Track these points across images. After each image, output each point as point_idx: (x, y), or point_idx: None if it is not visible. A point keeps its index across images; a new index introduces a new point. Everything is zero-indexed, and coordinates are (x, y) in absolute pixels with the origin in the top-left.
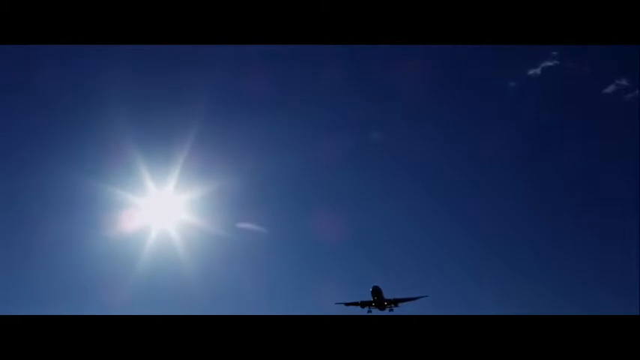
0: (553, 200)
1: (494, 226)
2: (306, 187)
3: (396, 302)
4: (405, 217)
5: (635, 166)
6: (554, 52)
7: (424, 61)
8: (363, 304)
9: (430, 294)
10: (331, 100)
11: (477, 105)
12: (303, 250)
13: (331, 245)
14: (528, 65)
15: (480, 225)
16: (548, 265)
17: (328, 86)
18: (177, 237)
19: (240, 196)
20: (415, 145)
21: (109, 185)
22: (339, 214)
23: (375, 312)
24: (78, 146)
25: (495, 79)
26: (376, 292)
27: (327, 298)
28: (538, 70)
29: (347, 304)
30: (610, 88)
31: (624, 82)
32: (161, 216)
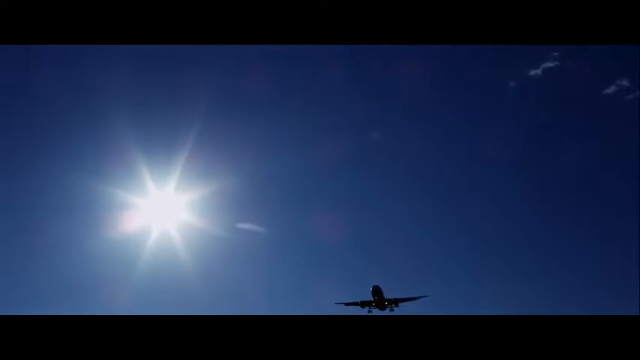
0: (553, 200)
1: (494, 226)
2: (306, 187)
3: (396, 302)
4: (405, 217)
5: (635, 166)
6: (555, 53)
7: (424, 61)
8: (363, 304)
9: (430, 294)
10: (331, 100)
11: (478, 105)
12: (303, 250)
13: (331, 245)
14: (529, 66)
15: (479, 225)
16: (548, 265)
17: (328, 86)
18: (177, 237)
19: (241, 197)
20: (415, 145)
21: (109, 186)
22: (339, 214)
23: (376, 312)
24: (78, 147)
25: (496, 79)
26: (376, 291)
27: (327, 298)
28: (539, 71)
29: (347, 304)
30: (611, 89)
31: (625, 83)
32: (162, 216)
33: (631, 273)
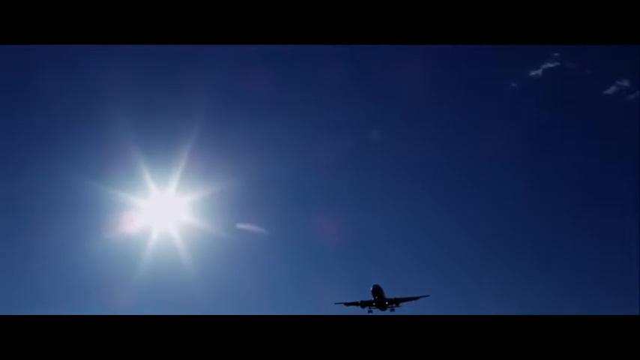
0: (553, 200)
1: (494, 226)
2: (306, 187)
3: (397, 302)
4: (405, 217)
5: (635, 167)
6: (556, 53)
7: (424, 61)
8: (363, 304)
9: (430, 294)
10: (331, 100)
11: (478, 105)
12: (304, 250)
13: (331, 245)
14: (529, 66)
15: (480, 225)
16: (548, 265)
17: (328, 86)
18: (178, 238)
19: (241, 197)
20: (415, 145)
21: (110, 187)
22: (339, 214)
23: (376, 312)
24: (79, 148)
25: (496, 79)
26: (377, 291)
27: (327, 299)
28: (539, 71)
29: (347, 304)
30: (611, 89)
31: (625, 83)
32: (162, 217)
33: (631, 273)
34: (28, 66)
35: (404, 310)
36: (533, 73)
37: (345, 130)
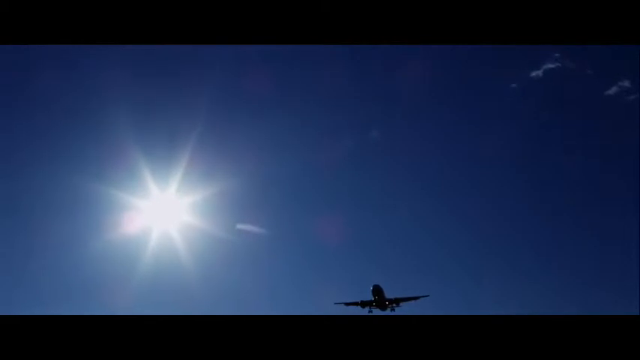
0: (553, 200)
1: (494, 226)
2: (306, 187)
3: (397, 302)
4: (405, 217)
5: (635, 167)
6: (556, 54)
7: (424, 61)
8: (363, 304)
9: (430, 294)
10: (331, 100)
11: (478, 106)
12: (304, 250)
13: (331, 245)
14: (530, 66)
15: (480, 225)
16: (548, 265)
17: (328, 86)
18: (179, 239)
19: (242, 198)
20: (415, 145)
21: (111, 188)
22: (339, 214)
23: (376, 312)
24: (80, 148)
25: (497, 80)
26: (377, 291)
27: (327, 299)
28: (540, 72)
29: (347, 304)
30: (612, 90)
31: (626, 84)
32: (163, 218)
33: (631, 273)
34: (28, 66)
35: (404, 310)
36: (534, 73)
37: (345, 130)
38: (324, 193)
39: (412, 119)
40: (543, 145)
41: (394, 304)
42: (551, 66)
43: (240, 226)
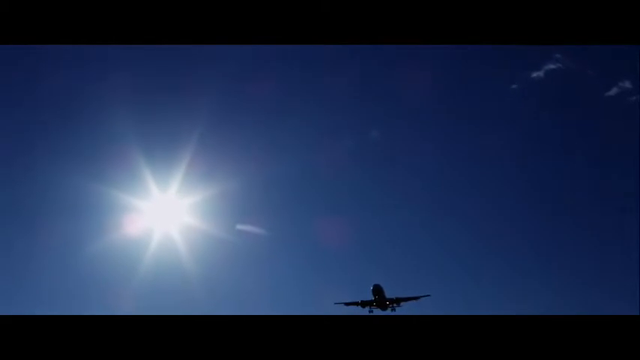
0: (553, 200)
1: (494, 226)
2: (306, 187)
3: (397, 301)
4: (405, 217)
5: (635, 167)
6: (557, 55)
7: (424, 61)
8: (363, 304)
9: (430, 294)
10: (331, 100)
11: (479, 106)
12: (304, 250)
13: (331, 245)
14: (531, 67)
15: (480, 225)
16: (548, 265)
17: (328, 87)
18: (180, 240)
19: (242, 198)
20: (415, 145)
21: (112, 189)
22: (339, 214)
23: (377, 312)
24: (81, 150)
25: (497, 81)
26: (377, 290)
27: (327, 299)
28: (541, 73)
29: (347, 304)
30: (613, 91)
31: (627, 85)
32: (164, 219)
33: (631, 273)
34: (28, 66)
35: (405, 310)
36: (534, 74)
37: (345, 130)
38: (324, 193)
39: (412, 119)
40: (543, 146)
41: (395, 304)
42: (552, 67)
43: (239, 227)
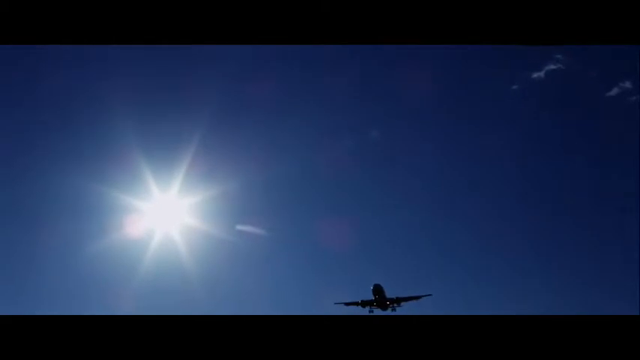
0: (553, 200)
1: (494, 226)
2: (306, 188)
3: (398, 301)
4: (406, 217)
5: (635, 167)
6: (558, 55)
7: (425, 62)
8: (363, 304)
9: (431, 293)
10: (331, 100)
11: (479, 106)
12: (305, 251)
13: (331, 245)
14: (531, 68)
15: (480, 225)
16: (548, 265)
17: (328, 87)
18: (180, 241)
19: (243, 199)
20: (415, 145)
21: (113, 190)
22: (339, 214)
23: (377, 312)
24: (81, 151)
25: (498, 81)
26: (377, 290)
27: (328, 299)
28: (541, 73)
29: (347, 304)
30: (614, 91)
31: (628, 85)
32: (165, 220)
33: (631, 273)
34: (28, 66)
35: (405, 310)
36: (535, 74)
37: (345, 131)
38: (324, 194)
39: (412, 119)
40: (544, 146)
41: (395, 304)
42: (552, 67)
43: (239, 227)
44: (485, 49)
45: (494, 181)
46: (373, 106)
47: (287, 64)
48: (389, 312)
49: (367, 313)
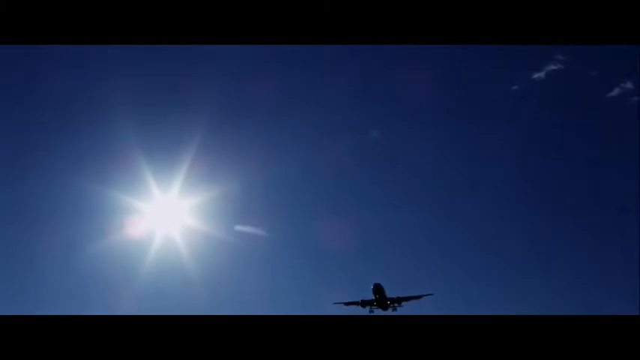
0: (553, 200)
1: (494, 226)
2: (306, 188)
3: (398, 301)
4: (406, 217)
5: (635, 167)
6: (559, 56)
7: (425, 62)
8: (363, 304)
9: (432, 293)
10: (331, 100)
11: (479, 107)
12: (305, 251)
13: (331, 245)
14: (532, 68)
15: (480, 225)
16: (548, 265)
17: (328, 87)
18: (181, 241)
19: (243, 199)
20: (415, 145)
21: (113, 190)
22: (339, 214)
23: (378, 312)
24: (82, 151)
25: (498, 82)
26: (377, 289)
27: (328, 299)
28: (542, 74)
29: (347, 304)
30: (614, 92)
31: (629, 85)
32: (166, 221)
33: (631, 273)
34: (28, 66)
35: (405, 309)
36: (535, 75)
37: (345, 131)
38: (324, 194)
39: (412, 119)
40: (544, 146)
41: (396, 304)
42: (553, 67)
43: (239, 228)
44: (485, 49)
45: (494, 181)
46: (373, 106)
47: (287, 64)
48: (390, 312)
49: (367, 313)
